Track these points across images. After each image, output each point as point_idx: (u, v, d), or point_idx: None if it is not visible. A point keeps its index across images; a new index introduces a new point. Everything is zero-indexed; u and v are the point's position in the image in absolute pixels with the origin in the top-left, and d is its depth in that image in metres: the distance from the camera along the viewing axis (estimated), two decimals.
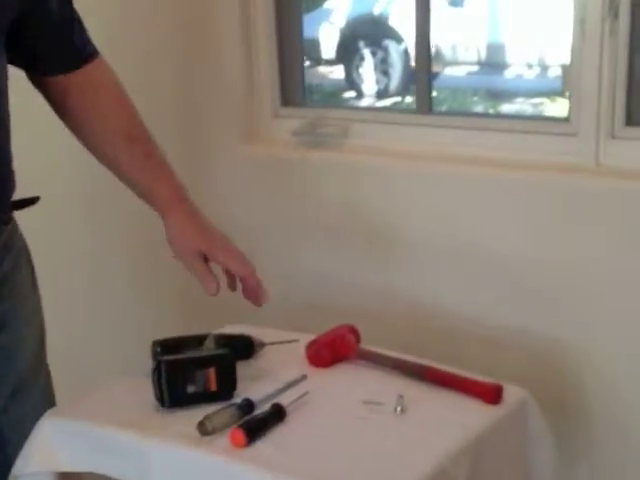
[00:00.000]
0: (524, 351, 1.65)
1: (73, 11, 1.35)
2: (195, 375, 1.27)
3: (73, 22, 1.35)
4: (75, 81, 1.36)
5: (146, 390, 1.28)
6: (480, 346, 1.67)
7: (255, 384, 1.35)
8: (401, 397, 1.26)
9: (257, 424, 1.19)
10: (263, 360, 1.45)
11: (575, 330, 1.63)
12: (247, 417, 1.22)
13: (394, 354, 1.42)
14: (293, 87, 2.04)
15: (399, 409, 1.26)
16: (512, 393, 1.31)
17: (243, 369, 1.36)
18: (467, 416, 1.24)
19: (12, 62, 1.31)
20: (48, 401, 1.41)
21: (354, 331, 1.47)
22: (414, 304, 1.75)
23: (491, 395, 1.29)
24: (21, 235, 1.39)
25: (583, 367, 1.64)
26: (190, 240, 1.36)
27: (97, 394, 1.36)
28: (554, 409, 1.45)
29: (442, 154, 1.80)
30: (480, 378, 1.33)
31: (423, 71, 1.90)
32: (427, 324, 1.75)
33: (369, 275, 1.82)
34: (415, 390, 1.32)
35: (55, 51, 1.34)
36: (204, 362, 1.28)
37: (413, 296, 1.76)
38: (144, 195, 1.40)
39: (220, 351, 1.31)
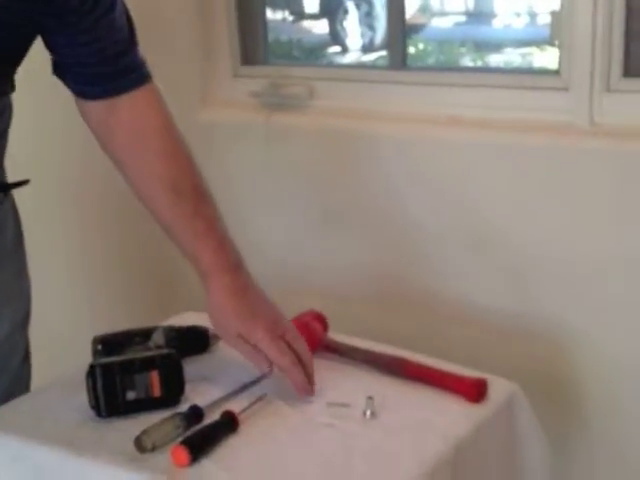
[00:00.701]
0: (514, 337, 1.49)
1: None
2: (135, 380, 1.11)
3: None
4: (119, 112, 1.16)
5: (83, 396, 1.13)
6: (465, 331, 1.50)
7: (207, 385, 1.19)
8: (370, 399, 1.10)
9: (203, 438, 1.03)
10: (218, 355, 1.29)
11: (571, 313, 1.47)
12: (193, 429, 1.06)
13: (366, 345, 1.26)
14: (254, 43, 1.84)
15: (368, 413, 1.10)
16: (499, 388, 1.16)
17: (194, 366, 1.20)
18: (447, 420, 1.09)
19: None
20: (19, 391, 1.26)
21: (320, 318, 1.31)
22: (390, 283, 1.58)
23: (474, 392, 1.13)
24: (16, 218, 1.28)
25: (578, 355, 1.48)
26: (227, 322, 1.16)
27: (27, 401, 1.20)
28: (545, 401, 1.30)
29: (419, 114, 1.62)
30: (463, 372, 1.17)
31: (397, 22, 1.71)
32: (404, 306, 1.58)
33: (340, 250, 1.65)
34: (389, 388, 1.16)
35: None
36: (145, 364, 1.12)
37: (389, 274, 1.59)
38: (187, 257, 1.19)
39: (164, 351, 1.15)
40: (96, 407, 1.10)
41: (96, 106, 1.16)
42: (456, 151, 1.55)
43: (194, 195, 1.16)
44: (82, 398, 1.12)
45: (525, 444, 1.18)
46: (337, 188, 1.65)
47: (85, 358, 1.24)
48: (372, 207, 1.62)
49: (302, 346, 1.16)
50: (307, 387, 1.13)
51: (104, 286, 1.89)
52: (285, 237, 1.72)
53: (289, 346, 1.14)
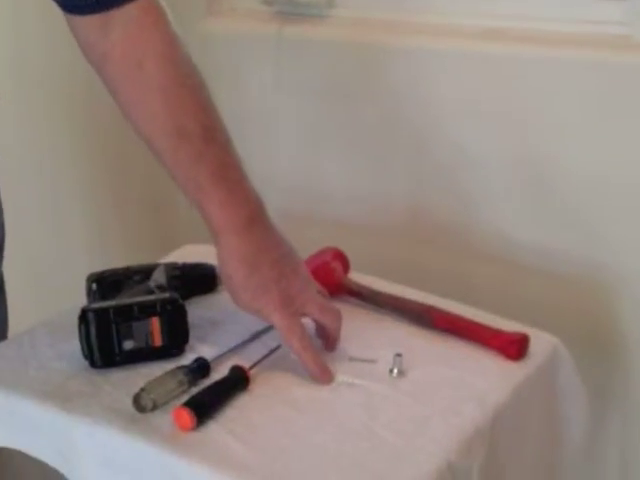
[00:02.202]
0: (550, 278, 1.34)
1: None
2: (133, 327, 0.98)
3: None
4: (111, 33, 0.96)
5: (75, 343, 1.00)
6: (495, 269, 1.36)
7: (213, 333, 1.06)
8: (399, 356, 0.97)
9: (209, 398, 0.91)
10: (226, 297, 1.15)
11: (616, 252, 1.32)
12: (198, 384, 0.94)
13: (393, 289, 1.13)
14: None
15: (395, 372, 0.97)
16: (539, 342, 1.03)
17: (200, 310, 1.07)
18: (484, 381, 0.96)
19: None
20: None
21: (341, 257, 1.18)
22: (420, 215, 1.42)
23: (514, 350, 1.00)
24: None
25: (619, 300, 1.33)
26: (236, 294, 0.98)
27: (9, 346, 1.08)
28: (583, 348, 1.17)
29: (451, 26, 1.44)
30: (499, 323, 1.05)
31: None
32: (435, 241, 1.43)
33: (362, 178, 1.50)
34: (417, 342, 1.04)
35: None
36: (145, 310, 0.99)
37: (418, 204, 1.43)
38: (197, 209, 0.99)
39: (166, 295, 1.02)
40: (89, 357, 0.98)
41: (85, 25, 0.97)
42: (495, 67, 1.37)
43: (201, 138, 0.96)
44: (73, 345, 1.00)
45: (565, 400, 1.06)
46: (359, 108, 1.48)
47: (78, 298, 1.13)
48: (400, 130, 1.44)
49: (332, 320, 0.99)
50: (320, 375, 0.96)
51: (97, 215, 1.74)
52: (299, 163, 1.56)
53: (314, 320, 0.99)
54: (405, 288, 1.13)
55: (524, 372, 0.99)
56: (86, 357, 0.99)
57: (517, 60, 1.37)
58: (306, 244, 1.08)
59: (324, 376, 0.96)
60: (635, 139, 1.28)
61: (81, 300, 1.09)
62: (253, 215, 0.97)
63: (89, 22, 0.96)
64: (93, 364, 0.99)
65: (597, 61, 1.31)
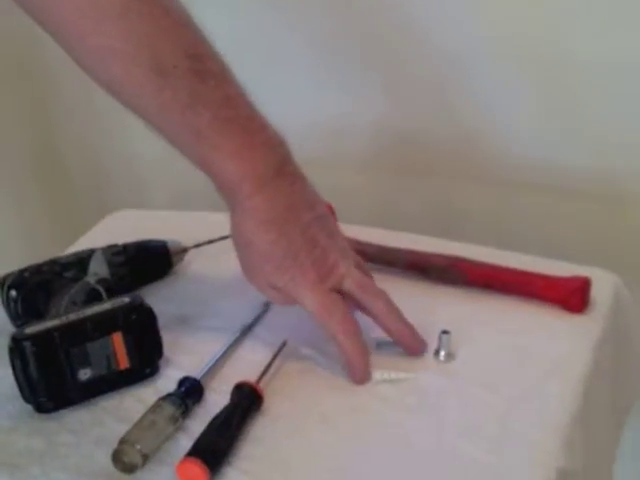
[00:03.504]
0: (589, 204, 1.10)
1: None
2: (89, 350, 0.72)
3: None
4: None
5: (6, 382, 0.73)
6: (523, 198, 1.11)
7: (188, 334, 0.81)
8: (446, 334, 0.75)
9: (220, 438, 0.66)
10: (188, 279, 0.91)
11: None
12: (194, 417, 0.70)
13: (402, 239, 0.89)
14: None
15: (443, 354, 0.76)
16: (599, 284, 0.82)
17: (160, 302, 0.78)
18: (556, 347, 0.75)
19: None
20: None
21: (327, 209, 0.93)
22: (414, 146, 1.15)
23: (578, 299, 0.80)
24: None
25: None
26: (257, 266, 0.74)
27: None
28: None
29: None
30: (540, 265, 0.84)
31: None
32: (436, 175, 1.16)
33: (344, 104, 1.21)
34: (452, 305, 0.82)
35: None
36: (102, 324, 0.73)
37: (409, 131, 1.15)
38: (201, 168, 0.73)
39: (124, 299, 0.75)
40: (33, 399, 0.72)
41: None
42: None
43: (190, 72, 0.68)
44: (6, 382, 0.73)
45: (630, 346, 0.88)
46: (336, 18, 1.20)
47: None
48: (384, 39, 1.15)
49: (376, 298, 0.76)
50: (363, 371, 0.73)
51: None
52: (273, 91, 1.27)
53: (352, 299, 0.75)
54: (417, 236, 0.91)
55: (597, 327, 0.79)
56: (28, 400, 0.72)
57: None
58: None
59: (367, 373, 0.73)
60: None
61: None
62: (277, 163, 0.72)
63: None
64: (40, 408, 0.72)
65: None
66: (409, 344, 0.76)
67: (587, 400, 0.71)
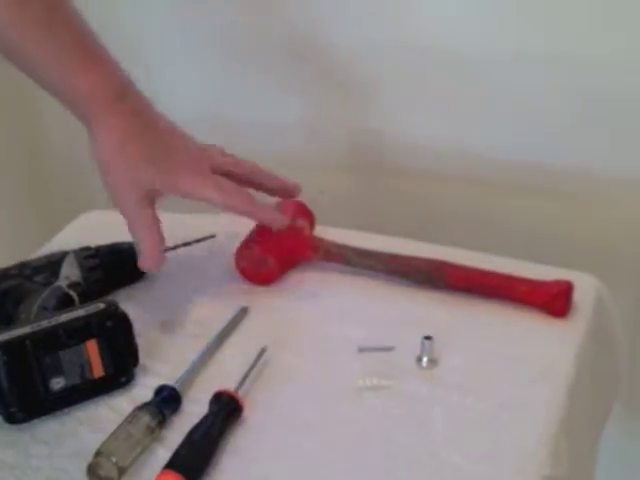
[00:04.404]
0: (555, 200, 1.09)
1: None
2: (61, 359, 0.69)
3: None
4: None
5: None
6: (486, 197, 1.10)
7: (163, 340, 0.79)
8: (428, 340, 0.74)
9: (199, 450, 0.64)
10: (163, 283, 0.88)
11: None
12: (171, 427, 0.68)
13: (381, 243, 0.88)
14: None
15: (425, 360, 0.74)
16: (581, 287, 0.82)
17: (134, 307, 0.76)
18: (539, 351, 0.74)
19: None
20: None
21: (304, 211, 0.91)
22: (397, 141, 1.13)
23: (561, 304, 0.79)
24: None
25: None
26: (133, 174, 0.77)
27: None
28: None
29: None
30: (520, 268, 0.83)
31: None
32: (403, 172, 1.13)
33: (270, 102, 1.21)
34: (435, 310, 0.80)
35: None
36: (75, 332, 0.70)
37: (395, 128, 1.13)
38: (58, 96, 0.78)
39: (99, 305, 0.72)
40: (3, 409, 0.69)
41: None
42: None
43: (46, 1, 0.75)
44: None
45: (609, 350, 0.87)
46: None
47: None
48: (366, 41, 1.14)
49: (250, 167, 0.84)
50: (279, 217, 0.84)
51: None
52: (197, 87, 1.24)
53: (232, 176, 0.81)
54: (398, 239, 0.89)
55: (580, 331, 0.78)
56: None
57: None
58: None
59: (281, 218, 0.84)
60: None
61: None
62: (128, 81, 0.79)
63: None
64: (11, 419, 0.69)
65: None
66: (291, 187, 0.86)
67: (572, 405, 0.71)
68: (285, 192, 0.86)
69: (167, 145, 0.79)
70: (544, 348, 0.75)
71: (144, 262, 0.78)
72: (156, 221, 0.78)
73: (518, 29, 1.03)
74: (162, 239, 0.78)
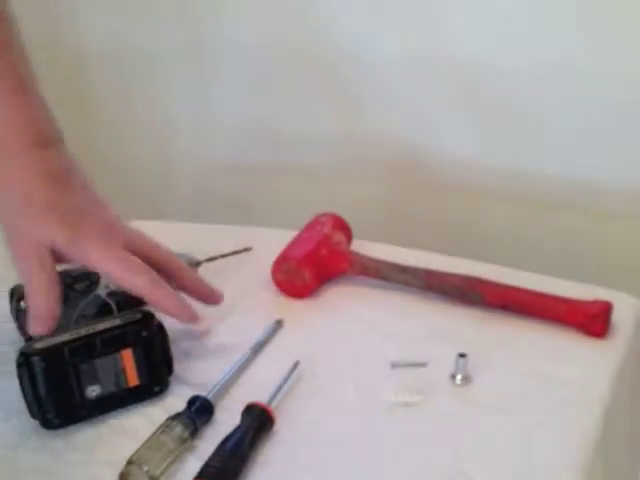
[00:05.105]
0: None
1: None
2: (98, 367, 0.71)
3: None
4: None
5: (13, 395, 0.72)
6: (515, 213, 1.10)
7: (197, 351, 0.79)
8: (463, 357, 0.73)
9: (230, 460, 0.65)
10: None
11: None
12: (203, 437, 0.68)
13: (418, 258, 0.87)
14: None
15: (459, 378, 0.74)
16: (620, 307, 0.80)
17: (169, 318, 0.78)
18: (576, 373, 0.73)
19: None
20: None
21: (342, 225, 0.92)
22: (406, 157, 1.15)
23: (600, 325, 0.78)
24: None
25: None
26: (35, 222, 0.70)
27: None
28: None
29: None
30: (554, 286, 0.82)
31: None
32: (440, 187, 1.14)
33: (324, 119, 1.22)
34: (471, 328, 0.80)
35: None
36: (112, 341, 0.71)
37: (402, 144, 1.16)
38: None
39: (136, 315, 0.74)
40: (40, 415, 0.70)
41: None
42: None
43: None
44: (12, 397, 0.72)
45: None
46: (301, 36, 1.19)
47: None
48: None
49: (164, 254, 0.76)
50: (186, 311, 0.74)
51: None
52: (243, 115, 1.25)
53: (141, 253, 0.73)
54: (429, 255, 0.89)
55: (618, 352, 0.77)
56: (35, 416, 0.71)
57: None
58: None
59: (188, 311, 0.74)
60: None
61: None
62: (58, 131, 0.74)
63: None
64: (47, 425, 0.71)
65: None
66: (208, 294, 0.78)
67: (606, 428, 0.69)
68: (201, 296, 0.78)
69: (80, 207, 0.72)
70: (581, 368, 0.74)
71: (35, 328, 0.70)
72: (53, 285, 0.70)
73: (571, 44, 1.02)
74: (57, 305, 0.71)
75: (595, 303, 0.79)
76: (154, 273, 0.73)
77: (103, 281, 0.86)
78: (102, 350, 0.70)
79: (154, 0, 1.25)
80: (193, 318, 0.74)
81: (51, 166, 0.72)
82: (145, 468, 0.63)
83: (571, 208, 1.03)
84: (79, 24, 1.23)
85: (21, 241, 0.70)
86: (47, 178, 0.71)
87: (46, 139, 0.73)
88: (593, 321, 0.78)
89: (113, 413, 0.72)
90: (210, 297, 0.78)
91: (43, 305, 0.70)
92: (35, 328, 0.70)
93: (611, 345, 0.78)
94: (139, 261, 0.72)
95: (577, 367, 0.74)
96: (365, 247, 0.90)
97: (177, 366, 0.75)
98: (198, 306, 0.78)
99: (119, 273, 0.71)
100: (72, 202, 0.72)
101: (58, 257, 0.71)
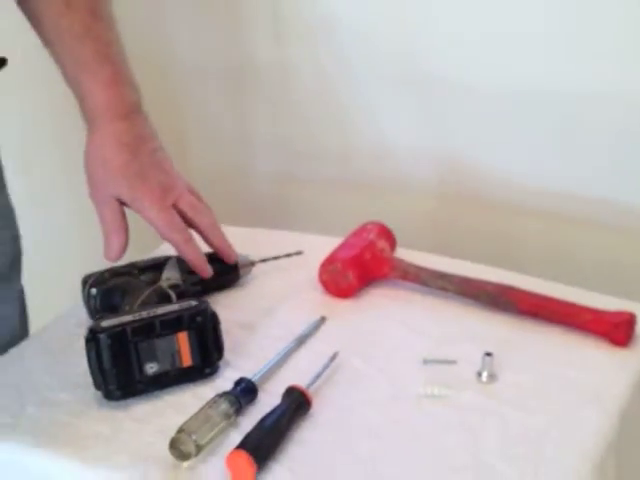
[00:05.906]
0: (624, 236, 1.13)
1: None
2: (156, 347, 0.78)
3: None
4: None
5: (80, 368, 0.80)
6: (557, 233, 1.16)
7: (247, 340, 0.87)
8: (489, 356, 0.79)
9: (268, 435, 0.72)
10: (252, 291, 0.97)
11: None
12: (246, 415, 0.75)
13: (456, 266, 0.93)
14: None
15: (485, 375, 0.80)
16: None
17: (225, 310, 0.86)
18: (596, 377, 0.78)
19: None
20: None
21: (386, 233, 0.99)
22: (454, 172, 1.22)
23: (622, 334, 0.82)
24: None
25: None
26: (108, 180, 0.89)
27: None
28: None
29: None
30: (582, 297, 0.87)
31: None
32: (480, 201, 1.20)
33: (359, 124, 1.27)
34: (501, 332, 0.85)
35: None
36: (169, 324, 0.79)
37: (449, 157, 1.23)
38: (71, 84, 0.90)
39: (193, 303, 0.81)
40: (104, 387, 0.78)
41: None
42: None
43: (89, 11, 0.87)
44: (78, 370, 0.80)
45: None
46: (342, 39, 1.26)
47: (68, 301, 0.93)
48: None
49: (204, 216, 0.93)
50: (204, 267, 0.92)
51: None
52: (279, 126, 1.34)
53: (184, 217, 0.91)
54: (465, 263, 0.95)
55: (638, 361, 0.81)
56: (99, 388, 0.79)
57: None
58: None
59: (205, 268, 0.92)
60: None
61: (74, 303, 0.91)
62: (136, 102, 0.90)
63: None
64: (109, 396, 0.79)
65: None
66: (226, 254, 0.95)
67: (623, 431, 0.74)
68: (220, 253, 0.95)
69: (144, 170, 0.89)
70: (601, 373, 0.79)
71: (107, 254, 0.89)
72: (117, 218, 0.88)
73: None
74: (123, 235, 0.88)
75: (619, 314, 0.83)
76: (188, 233, 0.91)
77: (165, 274, 0.95)
78: (160, 331, 0.78)
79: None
80: (206, 273, 0.92)
81: (125, 136, 0.89)
82: (193, 437, 0.71)
83: (601, 224, 1.08)
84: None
85: (98, 192, 0.89)
86: (121, 146, 0.88)
87: (126, 112, 0.89)
88: (616, 330, 0.82)
89: (167, 390, 0.80)
90: (225, 255, 0.95)
91: (114, 239, 0.88)
92: (108, 254, 0.89)
93: (633, 354, 0.82)
94: (179, 221, 0.90)
95: (598, 372, 0.79)
96: (407, 255, 0.97)
97: (227, 352, 0.83)
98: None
99: (162, 228, 0.89)
100: (138, 166, 0.88)
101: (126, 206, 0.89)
